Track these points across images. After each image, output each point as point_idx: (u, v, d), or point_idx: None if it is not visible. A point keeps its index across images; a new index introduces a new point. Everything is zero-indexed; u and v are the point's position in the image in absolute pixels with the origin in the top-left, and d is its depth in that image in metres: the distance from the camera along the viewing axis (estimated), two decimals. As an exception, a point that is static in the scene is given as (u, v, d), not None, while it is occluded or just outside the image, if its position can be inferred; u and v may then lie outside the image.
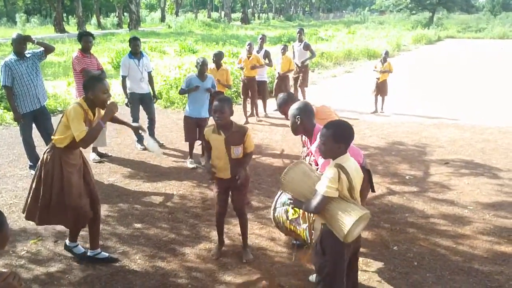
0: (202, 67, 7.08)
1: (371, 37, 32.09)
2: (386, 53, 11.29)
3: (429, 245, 4.80)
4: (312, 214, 3.32)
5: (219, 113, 4.03)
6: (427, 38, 35.68)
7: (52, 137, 4.13)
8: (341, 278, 3.20)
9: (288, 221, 3.74)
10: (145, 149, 7.99)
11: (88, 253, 4.45)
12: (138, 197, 6.01)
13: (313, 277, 4.04)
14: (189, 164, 7.20)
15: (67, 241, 4.51)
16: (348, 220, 2.91)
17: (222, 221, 4.56)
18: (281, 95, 4.76)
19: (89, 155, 7.29)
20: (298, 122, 3.90)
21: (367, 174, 3.71)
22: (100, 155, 7.56)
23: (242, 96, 10.35)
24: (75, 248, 4.49)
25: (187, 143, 7.30)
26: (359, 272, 4.23)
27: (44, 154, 4.12)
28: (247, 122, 9.85)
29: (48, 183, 4.04)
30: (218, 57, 8.44)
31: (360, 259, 4.49)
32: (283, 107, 4.56)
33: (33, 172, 6.59)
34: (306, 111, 3.93)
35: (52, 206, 4.08)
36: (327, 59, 20.71)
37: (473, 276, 4.24)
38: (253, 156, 7.18)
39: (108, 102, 4.13)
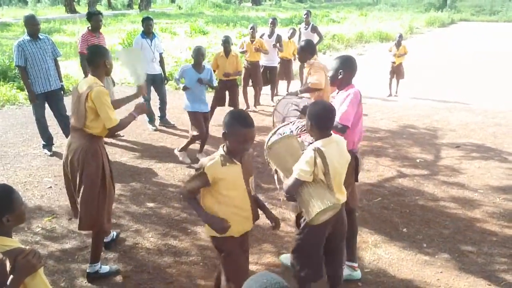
0: (197, 56, 6.36)
1: (383, 19, 31.68)
2: (400, 36, 11.17)
3: (439, 227, 4.83)
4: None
5: (251, 141, 2.87)
6: (440, 21, 35.12)
7: (84, 128, 3.68)
8: (315, 259, 3.23)
9: None
10: (156, 129, 8.06)
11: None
12: (150, 177, 6.08)
13: (283, 257, 4.12)
14: (187, 159, 6.60)
15: (92, 266, 3.93)
16: (315, 207, 2.89)
17: None
18: (303, 42, 5.60)
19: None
20: (340, 76, 3.79)
21: (354, 161, 3.60)
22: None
23: (242, 82, 9.43)
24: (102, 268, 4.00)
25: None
26: (368, 253, 4.29)
27: (78, 150, 3.69)
28: (248, 108, 9.33)
29: (98, 179, 3.77)
30: (227, 43, 7.73)
31: (370, 239, 4.56)
32: (302, 53, 5.43)
33: (46, 151, 6.76)
34: (351, 66, 3.86)
35: (100, 205, 3.83)
36: (338, 41, 20.53)
37: (482, 258, 4.27)
38: (260, 135, 7.19)
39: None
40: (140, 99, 5.45)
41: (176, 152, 6.64)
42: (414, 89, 11.87)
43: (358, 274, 3.93)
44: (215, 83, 6.80)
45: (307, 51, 5.47)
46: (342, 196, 3.16)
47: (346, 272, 3.82)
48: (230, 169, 2.84)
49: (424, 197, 5.55)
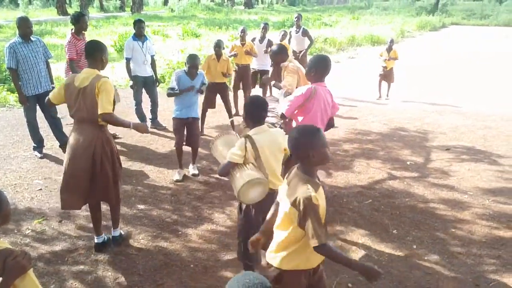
0: (191, 68, 6.04)
1: (375, 23, 31.86)
2: (391, 41, 11.21)
3: (428, 229, 4.86)
4: None
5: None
6: (432, 25, 35.35)
7: (99, 119, 3.90)
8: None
9: None
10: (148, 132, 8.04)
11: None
12: (141, 179, 6.07)
13: None
14: (176, 175, 6.09)
15: (116, 231, 4.49)
16: (241, 181, 3.17)
17: None
18: (274, 46, 5.68)
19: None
20: (313, 73, 4.34)
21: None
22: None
23: (232, 88, 9.15)
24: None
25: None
26: (358, 255, 4.33)
27: (93, 139, 3.96)
28: (237, 113, 8.97)
29: (116, 161, 4.21)
30: (218, 47, 7.64)
31: (360, 241, 4.59)
32: (275, 57, 5.48)
33: (37, 153, 6.73)
34: (323, 66, 4.36)
35: (112, 183, 4.19)
36: (330, 45, 20.61)
37: (471, 259, 4.30)
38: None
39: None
40: None
41: (175, 176, 6.12)
42: (405, 92, 11.94)
43: None
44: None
45: (279, 55, 5.53)
46: (276, 181, 3.36)
47: None
48: (321, 193, 2.53)
49: (414, 199, 5.59)
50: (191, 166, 6.34)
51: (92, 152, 3.96)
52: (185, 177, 6.10)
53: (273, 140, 3.37)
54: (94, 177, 4.03)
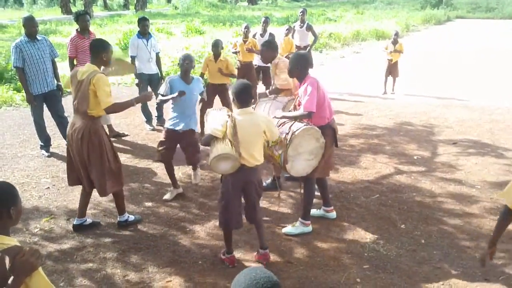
0: (184, 66, 5.29)
1: (379, 17, 31.70)
2: (396, 34, 11.12)
3: (436, 223, 4.85)
4: (287, 143, 4.15)
5: None
6: (437, 18, 35.14)
7: (88, 111, 4.24)
8: (228, 206, 3.90)
9: (268, 147, 4.33)
10: (154, 129, 8.06)
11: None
12: (148, 177, 6.08)
13: (285, 230, 4.69)
14: (167, 195, 5.46)
15: (122, 217, 4.78)
16: (214, 153, 3.65)
17: None
18: (263, 43, 5.72)
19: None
20: (297, 69, 4.45)
21: (332, 132, 4.50)
22: (117, 134, 7.67)
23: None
24: (129, 218, 4.85)
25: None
26: (366, 250, 4.32)
27: (83, 130, 4.25)
28: None
29: (104, 152, 4.36)
30: (216, 47, 7.32)
31: (368, 236, 4.58)
32: (265, 54, 5.53)
33: (44, 152, 6.76)
34: (306, 61, 4.50)
35: (114, 171, 4.49)
36: (335, 40, 20.54)
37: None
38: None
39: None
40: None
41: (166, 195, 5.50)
42: (411, 86, 11.88)
43: (309, 228, 4.66)
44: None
45: (268, 52, 5.52)
46: (251, 159, 3.80)
47: (299, 228, 4.63)
48: None
49: (421, 194, 5.57)
50: (193, 174, 5.75)
51: (80, 141, 4.28)
52: (191, 176, 6.08)
53: (254, 123, 3.78)
54: (84, 165, 4.39)
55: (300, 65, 4.44)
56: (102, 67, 4.40)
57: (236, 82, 3.89)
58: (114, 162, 4.48)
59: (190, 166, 5.80)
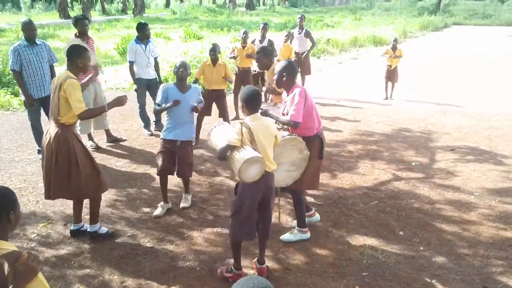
0: (179, 74, 5.13)
1: (377, 23, 31.82)
2: (395, 40, 11.19)
3: (435, 230, 4.84)
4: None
5: None
6: (434, 25, 35.33)
7: (58, 118, 4.17)
8: (247, 218, 3.77)
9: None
10: (152, 134, 8.04)
11: (89, 229, 4.65)
12: (146, 182, 6.06)
13: (283, 237, 4.66)
14: (158, 210, 5.17)
15: (91, 227, 4.60)
16: (241, 160, 3.48)
17: None
18: (258, 50, 5.76)
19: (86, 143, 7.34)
20: (284, 78, 4.34)
21: (319, 142, 4.43)
22: (115, 139, 7.64)
23: (233, 91, 8.96)
24: (100, 229, 4.65)
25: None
26: (365, 257, 4.30)
27: (52, 137, 4.18)
28: (237, 117, 8.72)
29: (74, 160, 4.23)
30: (213, 52, 7.20)
31: (366, 243, 4.56)
32: (261, 60, 5.62)
33: (41, 156, 6.71)
34: (292, 70, 4.39)
35: (84, 180, 4.30)
36: (333, 46, 20.60)
37: (479, 261, 4.28)
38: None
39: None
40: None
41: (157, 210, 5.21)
42: (409, 92, 11.91)
43: (307, 235, 4.64)
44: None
45: (264, 58, 5.59)
46: (270, 164, 3.76)
47: (297, 236, 4.62)
48: None
49: (420, 200, 5.56)
50: (183, 196, 5.46)
51: (47, 148, 4.22)
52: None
53: (266, 126, 3.78)
54: (49, 171, 4.28)
55: (287, 73, 4.31)
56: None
57: (245, 88, 3.86)
58: (88, 168, 4.31)
59: (165, 205, 5.29)
